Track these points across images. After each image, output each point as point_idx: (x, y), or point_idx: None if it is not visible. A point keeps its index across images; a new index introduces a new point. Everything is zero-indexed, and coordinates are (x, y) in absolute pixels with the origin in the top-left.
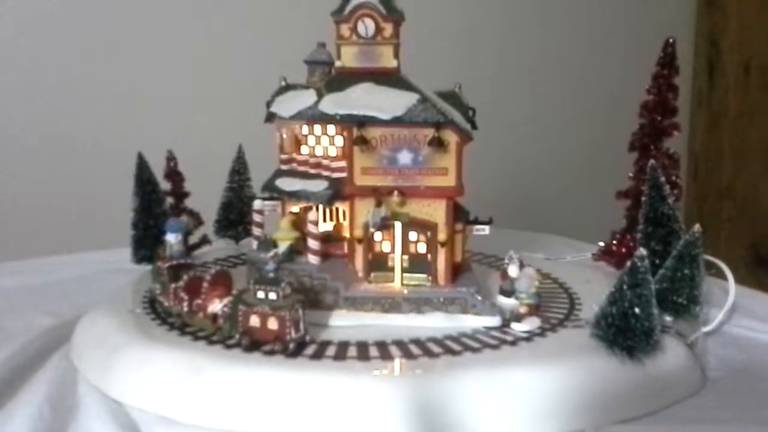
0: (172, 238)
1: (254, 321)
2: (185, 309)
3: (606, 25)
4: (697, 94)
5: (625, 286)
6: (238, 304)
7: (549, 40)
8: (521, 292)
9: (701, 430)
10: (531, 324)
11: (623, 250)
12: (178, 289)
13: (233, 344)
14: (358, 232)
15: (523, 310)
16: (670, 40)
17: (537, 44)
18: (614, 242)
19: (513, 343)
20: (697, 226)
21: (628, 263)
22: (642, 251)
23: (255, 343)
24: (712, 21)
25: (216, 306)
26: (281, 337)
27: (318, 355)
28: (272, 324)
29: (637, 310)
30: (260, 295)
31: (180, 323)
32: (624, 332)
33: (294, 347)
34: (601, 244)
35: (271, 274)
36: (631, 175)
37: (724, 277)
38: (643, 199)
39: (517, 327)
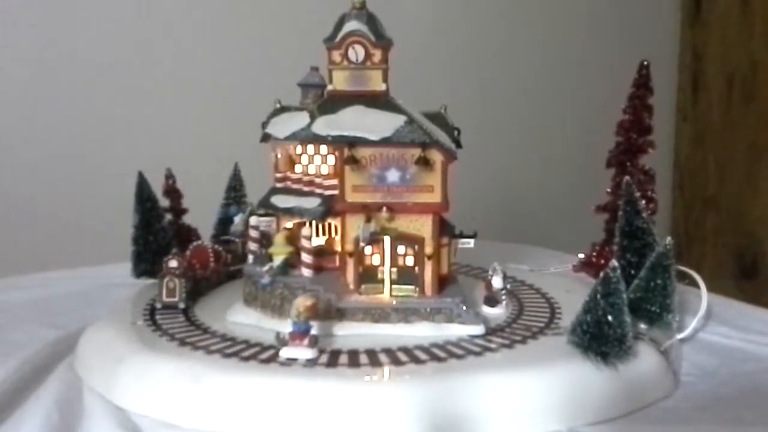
0: (236, 220)
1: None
2: None
3: (591, 43)
4: (682, 107)
5: (598, 296)
6: None
7: (534, 60)
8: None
9: (670, 431)
10: (302, 353)
11: (602, 261)
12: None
13: (230, 353)
14: (350, 247)
15: (287, 337)
16: (645, 63)
17: (522, 65)
18: (593, 254)
19: (495, 350)
20: (668, 239)
21: (602, 274)
22: (614, 263)
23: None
24: (695, 36)
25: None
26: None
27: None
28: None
29: (609, 318)
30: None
31: None
32: (598, 339)
33: (160, 306)
34: (581, 255)
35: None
36: (608, 190)
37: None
38: (619, 213)
39: (284, 353)
